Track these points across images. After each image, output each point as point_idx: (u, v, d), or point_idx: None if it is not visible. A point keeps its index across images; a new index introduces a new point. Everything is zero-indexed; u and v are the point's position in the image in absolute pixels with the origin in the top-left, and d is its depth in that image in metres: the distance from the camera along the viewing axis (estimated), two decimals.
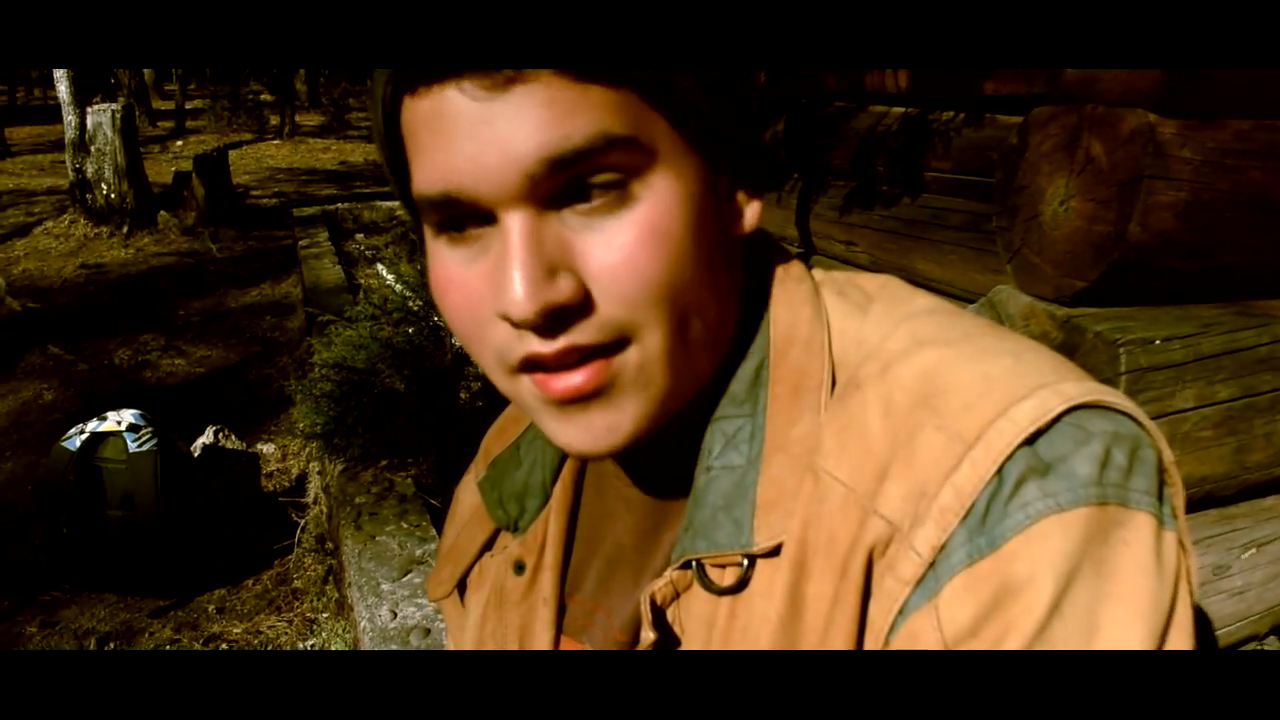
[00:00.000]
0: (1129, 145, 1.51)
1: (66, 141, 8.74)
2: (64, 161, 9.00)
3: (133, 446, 3.28)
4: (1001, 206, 1.78)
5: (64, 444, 3.31)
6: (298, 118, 17.00)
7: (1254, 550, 1.75)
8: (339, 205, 8.70)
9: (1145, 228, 1.51)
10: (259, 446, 4.26)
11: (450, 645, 0.87)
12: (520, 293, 0.51)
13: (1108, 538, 0.48)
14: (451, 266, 0.56)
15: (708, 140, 0.56)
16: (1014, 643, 0.47)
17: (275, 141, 15.40)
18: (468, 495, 0.83)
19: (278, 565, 3.45)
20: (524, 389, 0.57)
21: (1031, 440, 0.49)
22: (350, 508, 2.88)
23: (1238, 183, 1.56)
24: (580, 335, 0.53)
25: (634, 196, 0.53)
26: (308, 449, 3.62)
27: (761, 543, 0.56)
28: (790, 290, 0.63)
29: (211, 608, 3.26)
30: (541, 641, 0.71)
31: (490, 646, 0.75)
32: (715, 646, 0.58)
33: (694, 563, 0.59)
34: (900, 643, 0.51)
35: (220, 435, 3.97)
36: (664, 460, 0.65)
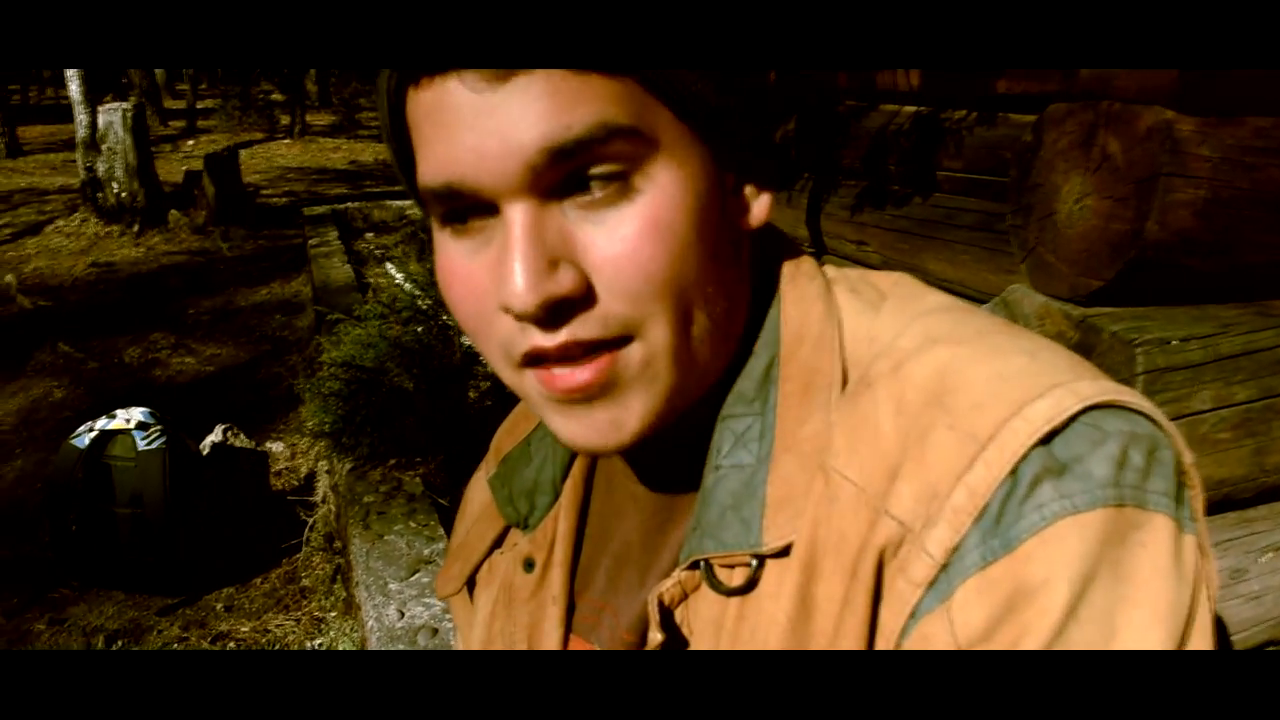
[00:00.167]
0: (1146, 142, 1.49)
1: (78, 140, 8.77)
2: (75, 160, 9.03)
3: (141, 444, 3.28)
4: (1016, 205, 1.76)
5: (73, 441, 3.31)
6: (308, 117, 17.05)
7: (1272, 554, 1.73)
8: (349, 204, 8.71)
9: (1163, 226, 1.49)
10: (268, 445, 4.26)
11: (458, 643, 0.86)
12: (521, 284, 0.51)
13: (1125, 540, 0.47)
14: (455, 258, 0.56)
15: (714, 132, 0.55)
16: (1030, 645, 0.46)
17: (286, 141, 15.44)
18: (478, 493, 0.83)
19: (286, 564, 3.45)
20: (529, 384, 0.57)
21: (1046, 440, 0.48)
22: (358, 507, 2.87)
23: (1257, 180, 1.54)
24: (582, 329, 0.53)
25: (636, 188, 0.52)
26: (316, 448, 3.61)
27: (771, 543, 0.55)
28: (801, 287, 0.62)
29: (220, 606, 3.26)
30: (550, 640, 0.70)
31: (499, 644, 0.75)
32: (723, 648, 0.57)
33: (702, 563, 0.58)
34: (912, 646, 0.50)
35: (229, 434, 3.96)
36: (672, 458, 0.64)
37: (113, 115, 8.37)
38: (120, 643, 3.07)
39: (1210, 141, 1.49)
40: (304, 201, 9.57)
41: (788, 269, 0.63)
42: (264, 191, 10.59)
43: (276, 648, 3.01)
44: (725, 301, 0.57)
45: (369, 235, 7.71)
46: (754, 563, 0.56)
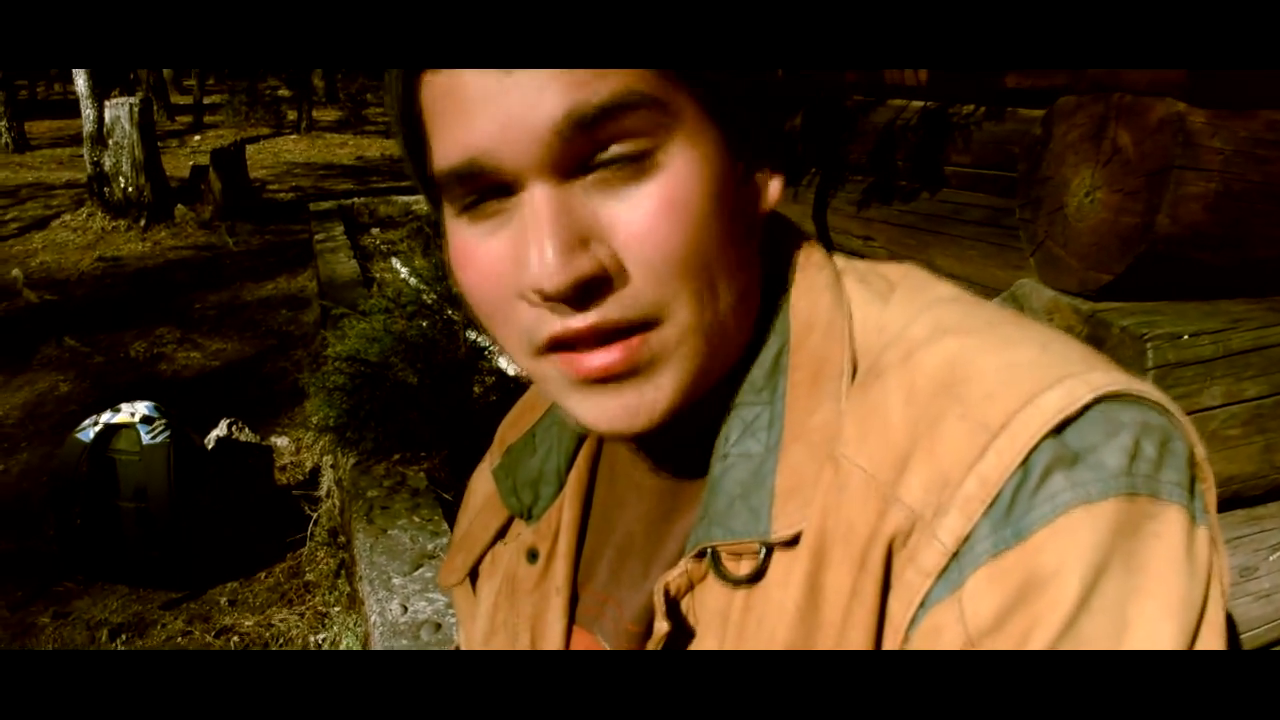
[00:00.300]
0: (1158, 135, 1.47)
1: (84, 135, 8.78)
2: (82, 155, 9.04)
3: (146, 438, 3.28)
4: (1025, 199, 1.74)
5: (77, 435, 3.31)
6: (315, 113, 17.05)
7: None
8: (355, 200, 8.71)
9: (1174, 219, 1.47)
10: (273, 439, 4.26)
11: (461, 635, 0.86)
12: (552, 263, 0.50)
13: (1138, 530, 0.46)
14: (471, 244, 0.55)
15: (728, 114, 0.54)
16: (1040, 638, 0.45)
17: (292, 136, 15.44)
18: (481, 484, 0.83)
19: (290, 558, 3.44)
20: (550, 370, 0.56)
21: (1059, 430, 0.48)
22: (362, 501, 2.87)
23: (1269, 174, 1.52)
24: (612, 310, 0.52)
25: (656, 164, 0.52)
26: (321, 442, 3.61)
27: (780, 531, 0.54)
28: (811, 276, 0.62)
29: (224, 600, 3.26)
30: (553, 632, 0.70)
31: (501, 636, 0.74)
32: (730, 639, 0.56)
33: (709, 552, 0.57)
34: (921, 636, 0.49)
35: (234, 428, 3.96)
36: (680, 447, 0.63)
37: (120, 110, 8.37)
38: (124, 636, 3.07)
39: (1222, 134, 1.47)
40: (310, 197, 9.57)
41: (798, 258, 0.62)
42: (270, 187, 10.59)
43: (280, 642, 3.00)
44: (742, 285, 0.57)
45: (375, 230, 7.70)
46: (762, 552, 0.55)
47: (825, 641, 0.53)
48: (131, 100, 8.53)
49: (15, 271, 7.14)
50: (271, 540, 3.48)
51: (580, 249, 0.51)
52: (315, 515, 3.44)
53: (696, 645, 0.59)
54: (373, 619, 2.31)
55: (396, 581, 2.42)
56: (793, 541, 0.54)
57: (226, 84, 18.55)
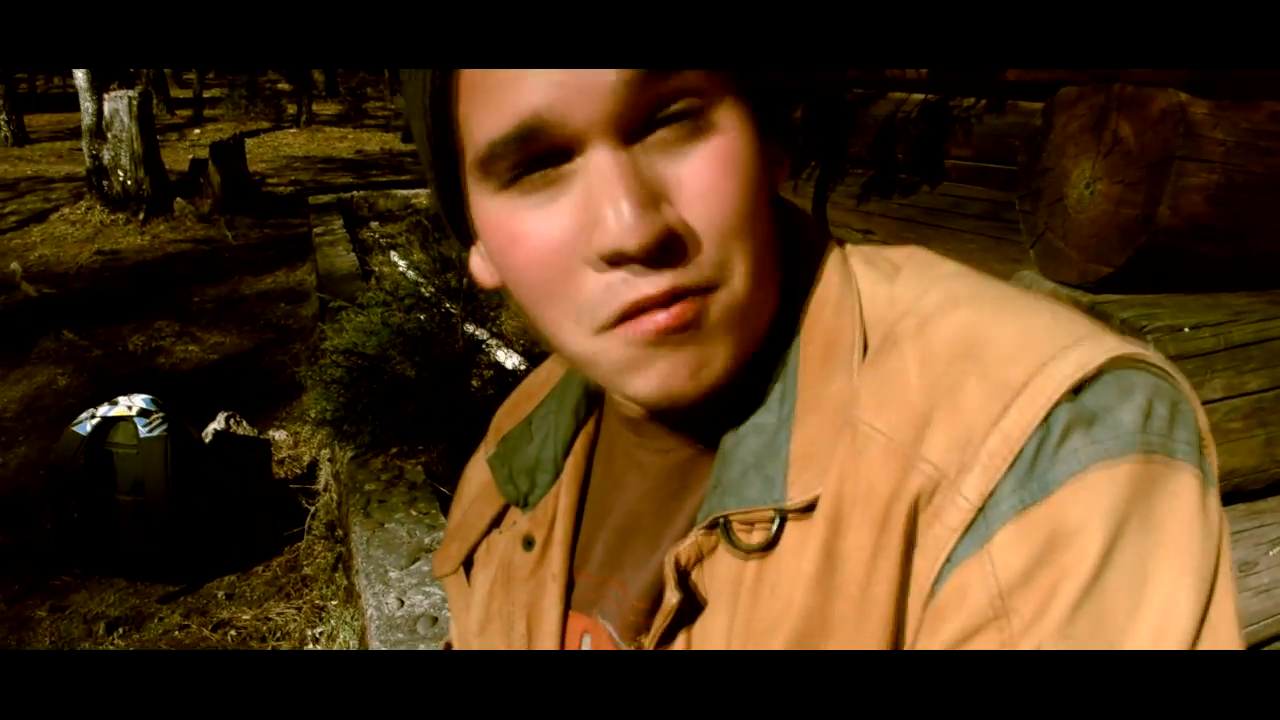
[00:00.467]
0: (1159, 126, 1.46)
1: (83, 128, 8.77)
2: (81, 149, 9.02)
3: (143, 431, 3.27)
4: (1025, 190, 1.73)
5: (75, 428, 3.30)
6: (315, 106, 17.03)
7: None
8: (354, 193, 8.70)
9: (1175, 211, 1.46)
10: (271, 433, 4.25)
11: (453, 628, 0.85)
12: (632, 221, 0.50)
13: (1155, 489, 0.48)
14: (520, 217, 0.54)
15: (753, 89, 0.56)
16: (1069, 590, 0.46)
17: (292, 130, 15.43)
18: (477, 473, 0.82)
19: (288, 552, 3.44)
20: (612, 345, 0.55)
21: (1075, 392, 0.49)
22: (359, 495, 2.86)
23: (1272, 165, 1.51)
24: (683, 276, 0.53)
25: (712, 124, 0.53)
26: (319, 436, 3.60)
27: (795, 498, 0.54)
28: (818, 256, 0.62)
29: (221, 594, 3.25)
30: (549, 619, 0.70)
31: (497, 623, 0.74)
32: (742, 608, 0.56)
33: (721, 522, 0.57)
34: (948, 592, 0.49)
35: (232, 421, 3.96)
36: (690, 422, 0.63)
37: (119, 103, 8.35)
38: (121, 630, 3.07)
39: (1224, 125, 1.46)
40: (310, 190, 9.56)
41: (805, 238, 0.63)
42: (270, 180, 10.58)
43: (277, 636, 3.00)
44: (776, 255, 0.58)
45: (374, 224, 7.69)
46: (776, 521, 0.55)
47: (845, 604, 0.52)
48: (131, 94, 8.51)
49: (14, 265, 7.13)
50: (269, 534, 3.47)
51: (655, 206, 0.51)
52: (313, 509, 3.44)
53: (707, 616, 0.59)
54: (369, 612, 2.30)
55: (393, 575, 2.41)
56: (807, 509, 0.54)
57: (226, 78, 18.55)
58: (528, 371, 0.60)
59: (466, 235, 0.64)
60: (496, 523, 0.77)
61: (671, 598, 0.58)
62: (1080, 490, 0.47)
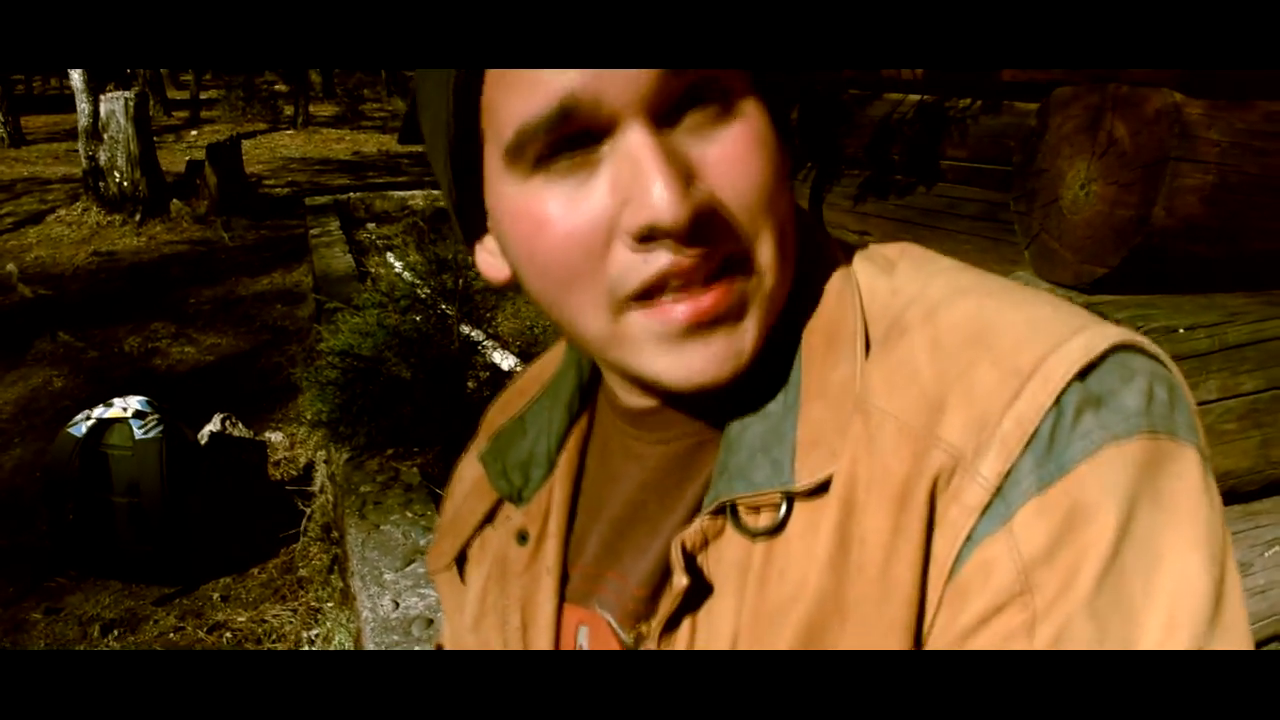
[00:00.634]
0: (1154, 126, 1.46)
1: (80, 129, 8.75)
2: (78, 150, 9.01)
3: (139, 433, 3.27)
4: (1020, 191, 1.73)
5: (70, 430, 3.29)
6: (312, 108, 17.01)
7: (1277, 548, 1.70)
8: (351, 195, 8.69)
9: (1170, 212, 1.46)
10: (267, 435, 4.25)
11: (445, 626, 0.86)
12: (671, 195, 0.51)
13: (1162, 468, 0.50)
14: (549, 200, 0.55)
15: (768, 87, 0.58)
16: (1090, 566, 0.48)
17: (289, 131, 15.42)
18: (468, 469, 0.83)
19: (284, 554, 3.43)
20: (634, 325, 0.56)
21: (1082, 376, 0.51)
22: (355, 496, 2.85)
23: (1267, 166, 1.51)
24: (715, 250, 0.54)
25: (738, 110, 0.54)
26: (315, 437, 3.60)
27: (803, 480, 0.55)
28: (818, 247, 0.64)
29: (216, 596, 3.25)
30: (545, 612, 0.70)
31: (491, 619, 0.74)
32: (750, 591, 0.57)
33: (727, 507, 0.58)
34: (972, 570, 0.50)
35: (228, 423, 3.95)
36: (695, 411, 0.64)
37: (115, 104, 8.34)
38: (116, 632, 3.06)
39: (1219, 125, 1.46)
40: (306, 192, 9.56)
41: (804, 233, 0.64)
42: (266, 182, 10.57)
43: (273, 638, 2.99)
44: (793, 241, 0.59)
45: (370, 225, 7.69)
46: (783, 504, 0.56)
47: (864, 586, 0.53)
48: (127, 95, 8.50)
49: (10, 266, 7.12)
50: (265, 536, 3.47)
51: (691, 182, 0.52)
52: (309, 511, 3.43)
53: (714, 600, 0.59)
54: (364, 614, 2.30)
55: (389, 577, 2.41)
56: (816, 491, 0.55)
57: (223, 79, 18.53)
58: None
59: (474, 230, 0.64)
60: (489, 518, 0.77)
61: (681, 581, 0.58)
62: (1096, 468, 0.49)
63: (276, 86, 17.82)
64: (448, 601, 0.82)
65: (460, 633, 0.79)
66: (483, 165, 0.58)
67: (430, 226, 3.81)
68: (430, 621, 2.19)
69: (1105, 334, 0.52)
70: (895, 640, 0.52)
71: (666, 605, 0.59)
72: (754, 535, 0.57)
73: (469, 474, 0.82)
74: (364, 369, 3.06)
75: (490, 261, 0.64)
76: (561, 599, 0.70)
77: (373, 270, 5.81)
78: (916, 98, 2.68)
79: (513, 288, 0.65)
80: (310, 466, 3.86)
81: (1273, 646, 1.79)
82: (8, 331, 5.78)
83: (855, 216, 2.89)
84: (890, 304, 0.59)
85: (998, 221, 2.25)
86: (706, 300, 0.54)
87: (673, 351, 0.56)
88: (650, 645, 0.61)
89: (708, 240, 0.53)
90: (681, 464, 0.65)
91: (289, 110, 16.56)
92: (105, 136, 8.41)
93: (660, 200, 0.51)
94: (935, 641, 0.52)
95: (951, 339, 0.54)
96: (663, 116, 0.53)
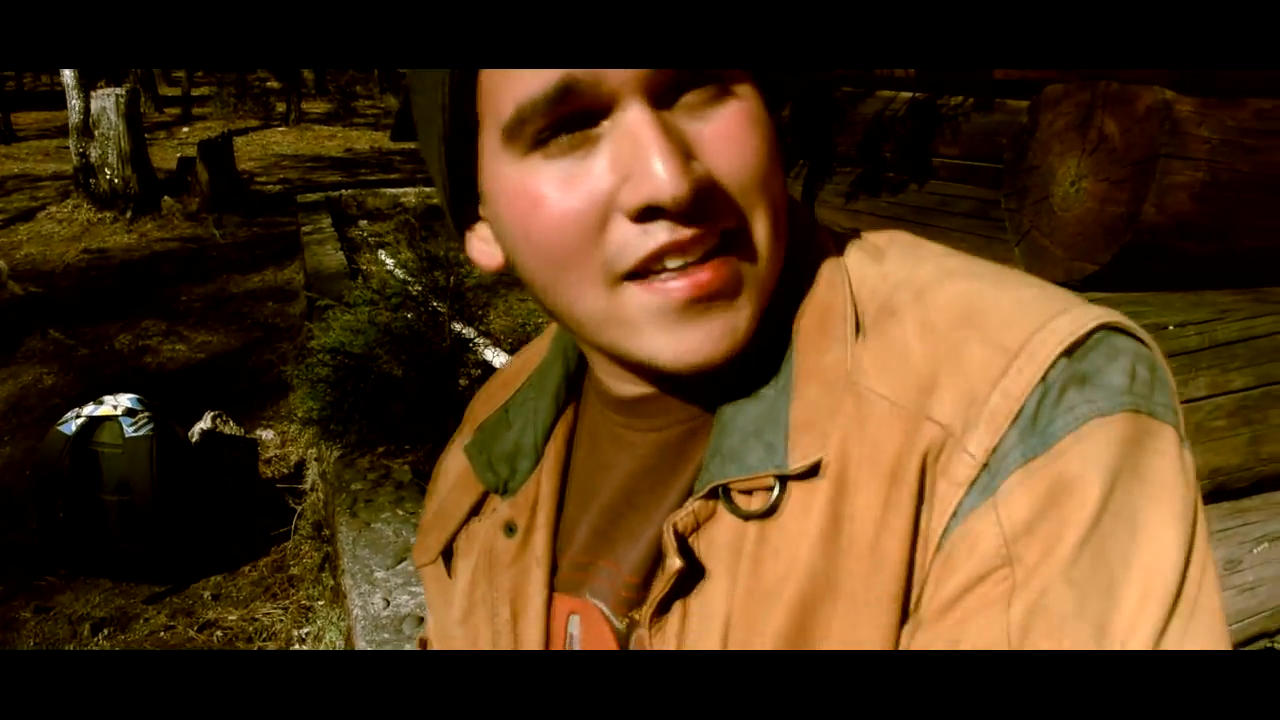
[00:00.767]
0: (1145, 123, 1.46)
1: (71, 126, 8.72)
2: (69, 147, 8.97)
3: (129, 431, 3.25)
4: (1011, 188, 1.73)
5: (60, 428, 3.28)
6: (304, 105, 16.97)
7: (1266, 545, 1.70)
8: (343, 192, 8.68)
9: (1160, 209, 1.46)
10: (258, 432, 4.24)
11: (430, 619, 0.85)
12: (672, 170, 0.51)
13: (1142, 445, 0.51)
14: (547, 179, 0.55)
15: (761, 74, 0.58)
16: (1070, 536, 0.49)
17: (281, 128, 15.37)
18: (453, 462, 0.82)
19: (275, 552, 3.42)
20: (631, 300, 0.56)
21: (1068, 353, 0.52)
22: (346, 494, 2.85)
23: (1258, 163, 1.51)
24: (713, 225, 0.54)
25: (733, 92, 0.55)
26: (306, 435, 3.59)
27: (797, 462, 0.56)
28: (808, 236, 0.64)
29: (207, 594, 3.24)
30: (535, 603, 0.70)
31: (481, 611, 0.74)
32: (744, 571, 0.57)
33: (720, 490, 0.59)
34: (957, 542, 0.51)
35: (218, 421, 3.94)
36: (687, 396, 0.64)
37: (106, 101, 8.31)
38: (106, 631, 3.05)
39: (1209, 123, 1.46)
40: (298, 189, 9.53)
41: (794, 218, 0.64)
42: (258, 179, 10.54)
43: (264, 636, 2.98)
44: (785, 222, 0.60)
45: (363, 223, 7.67)
46: (776, 486, 0.56)
47: (854, 561, 0.54)
48: (118, 91, 8.47)
49: (0, 263, 7.09)
50: (256, 534, 3.46)
51: (690, 159, 0.53)
52: (300, 509, 3.42)
53: (706, 583, 0.59)
54: (355, 612, 2.29)
55: (379, 575, 2.40)
56: (809, 474, 0.56)
57: (215, 76, 18.46)
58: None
59: (466, 218, 0.64)
60: (476, 511, 0.77)
61: (674, 563, 0.58)
62: (1078, 443, 0.50)
63: (269, 83, 17.76)
64: (434, 596, 0.82)
65: (447, 626, 0.78)
66: (478, 151, 0.59)
67: (422, 224, 3.80)
68: (421, 619, 2.19)
69: (1091, 313, 0.53)
70: (884, 613, 0.53)
71: (659, 588, 0.60)
72: (747, 517, 0.57)
73: (454, 467, 0.82)
74: (355, 366, 3.06)
75: (483, 249, 0.65)
76: (551, 589, 0.70)
77: (365, 267, 5.80)
78: (909, 95, 2.68)
79: (505, 275, 0.65)
80: (301, 464, 3.85)
81: (1262, 643, 1.79)
82: None
83: (847, 214, 2.89)
84: (879, 288, 0.60)
85: (990, 219, 2.26)
86: (705, 275, 0.54)
87: (671, 330, 0.56)
88: (643, 629, 0.61)
89: (706, 216, 0.54)
90: (674, 451, 0.65)
91: (281, 107, 16.51)
92: (96, 133, 8.38)
93: (661, 175, 0.51)
94: (920, 611, 0.53)
95: (941, 319, 0.55)
96: (661, 96, 0.53)
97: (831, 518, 0.55)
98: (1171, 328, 1.48)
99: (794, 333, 0.60)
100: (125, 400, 3.35)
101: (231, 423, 3.99)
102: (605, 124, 0.54)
